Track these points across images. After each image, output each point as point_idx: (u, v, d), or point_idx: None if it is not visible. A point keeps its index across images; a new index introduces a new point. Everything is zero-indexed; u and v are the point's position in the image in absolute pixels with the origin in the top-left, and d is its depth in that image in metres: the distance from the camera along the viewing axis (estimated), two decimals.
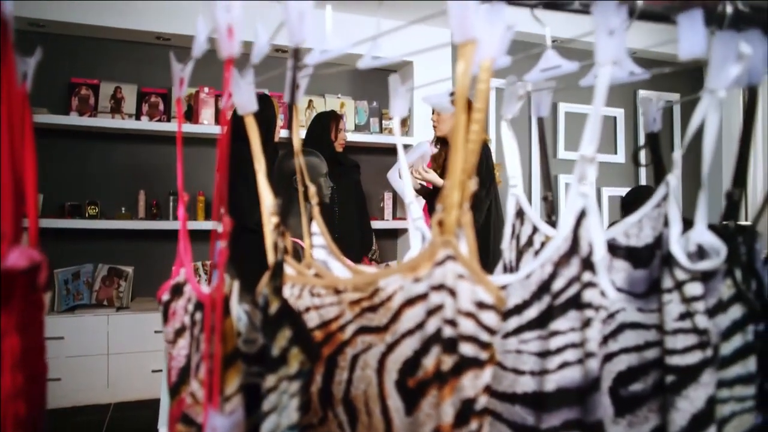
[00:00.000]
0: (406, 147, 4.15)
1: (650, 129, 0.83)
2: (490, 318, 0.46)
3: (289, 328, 0.47)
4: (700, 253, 0.57)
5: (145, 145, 3.69)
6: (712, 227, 0.64)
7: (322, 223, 0.69)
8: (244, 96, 0.62)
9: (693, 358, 0.56)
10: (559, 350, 0.55)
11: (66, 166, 3.52)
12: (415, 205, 0.70)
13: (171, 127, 3.57)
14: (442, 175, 3.03)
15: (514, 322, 0.59)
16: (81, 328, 3.28)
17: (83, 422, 3.03)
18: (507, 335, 0.60)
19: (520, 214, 0.77)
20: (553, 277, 0.55)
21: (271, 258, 0.61)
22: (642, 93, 4.85)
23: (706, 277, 0.55)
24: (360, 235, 3.31)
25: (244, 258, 2.68)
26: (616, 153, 4.77)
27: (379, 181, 4.00)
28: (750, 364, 0.57)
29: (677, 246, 0.56)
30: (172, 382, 0.61)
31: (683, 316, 0.57)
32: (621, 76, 0.61)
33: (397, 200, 4.17)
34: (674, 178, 0.59)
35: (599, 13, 0.51)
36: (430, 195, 3.10)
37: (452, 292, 0.48)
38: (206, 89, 3.65)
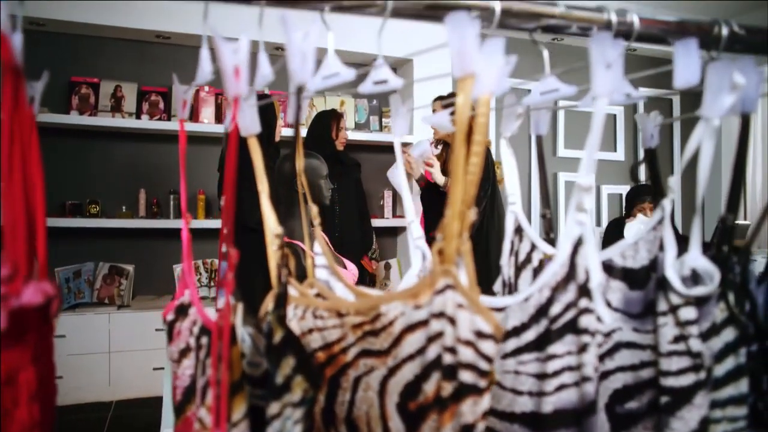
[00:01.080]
0: (406, 145, 4.16)
1: (648, 145, 0.84)
2: (488, 347, 0.48)
3: (293, 357, 0.48)
4: (695, 277, 0.59)
5: (146, 143, 3.70)
6: (706, 246, 0.66)
7: (324, 244, 0.70)
8: (246, 119, 0.63)
9: (687, 380, 0.57)
10: (556, 373, 0.56)
11: (67, 165, 3.52)
12: (416, 225, 0.72)
13: (171, 125, 3.58)
14: (442, 171, 3.03)
15: (512, 343, 0.61)
16: (82, 327, 3.30)
17: (85, 420, 3.05)
18: (506, 356, 0.61)
19: (518, 231, 0.79)
20: (550, 301, 0.57)
21: (274, 280, 0.63)
22: (642, 90, 4.85)
23: (700, 301, 0.57)
24: (360, 234, 3.32)
25: (245, 258, 2.70)
26: (615, 151, 4.78)
27: (379, 179, 4.01)
28: (742, 386, 0.59)
29: (672, 271, 0.58)
30: (177, 400, 0.63)
31: (677, 339, 0.58)
32: (619, 100, 0.62)
33: (397, 198, 4.18)
34: (669, 203, 0.60)
35: (596, 46, 0.52)
36: (428, 190, 3.09)
37: (452, 321, 0.49)
38: (206, 88, 3.65)
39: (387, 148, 4.28)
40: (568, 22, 0.66)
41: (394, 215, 4.16)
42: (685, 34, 0.72)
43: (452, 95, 3.07)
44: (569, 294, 0.55)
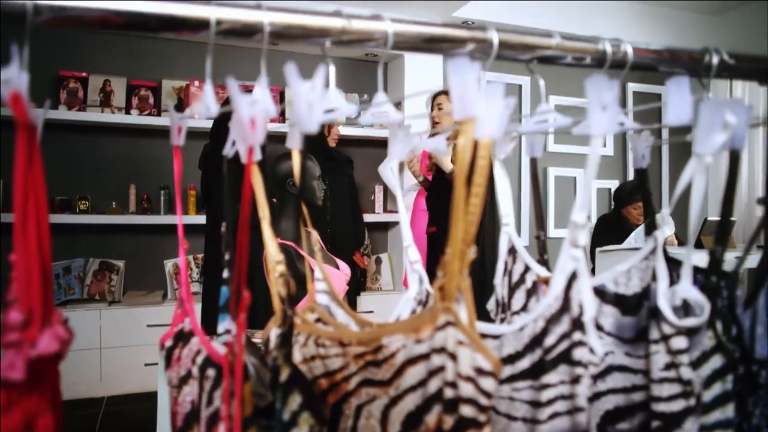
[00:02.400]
0: None
1: (639, 165, 0.86)
2: (488, 384, 0.50)
3: (300, 394, 0.49)
4: (685, 306, 0.61)
5: (136, 138, 3.68)
6: (697, 270, 0.68)
7: (324, 269, 0.71)
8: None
9: (677, 405, 0.59)
10: (549, 402, 0.58)
11: (55, 160, 3.49)
12: (413, 249, 0.73)
13: (161, 121, 3.56)
14: (438, 169, 3.01)
15: (507, 370, 0.62)
16: (73, 323, 3.17)
17: (78, 416, 3.06)
18: (501, 382, 0.63)
19: (512, 251, 0.80)
20: (545, 332, 0.58)
21: (277, 310, 0.64)
22: (632, 86, 4.89)
23: (690, 331, 0.59)
24: (353, 231, 3.33)
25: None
26: (604, 146, 4.82)
27: (370, 174, 4.02)
28: (728, 411, 0.61)
29: (664, 301, 0.60)
30: (177, 426, 0.64)
31: (669, 366, 0.60)
32: (612, 129, 0.63)
33: (387, 193, 4.20)
34: (662, 234, 0.62)
35: (593, 89, 0.53)
36: (435, 183, 3.02)
37: (453, 356, 0.51)
38: (196, 83, 3.63)
39: (378, 143, 4.29)
40: (563, 52, 0.67)
41: (385, 210, 4.17)
42: (677, 63, 0.74)
43: (441, 94, 3.07)
44: (563, 326, 0.57)
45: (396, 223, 4.23)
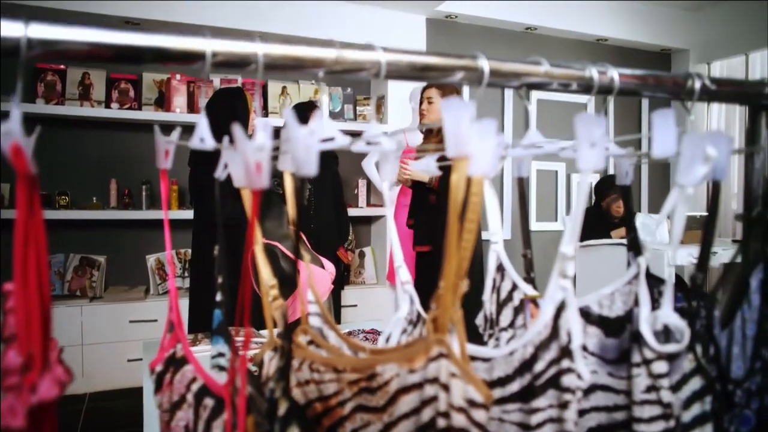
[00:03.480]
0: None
1: (623, 182, 0.88)
2: (480, 415, 0.51)
3: (297, 427, 0.51)
4: (666, 331, 0.63)
5: (116, 132, 3.63)
6: (680, 287, 0.70)
7: (316, 291, 0.72)
8: (240, 169, 0.64)
9: (657, 427, 0.62)
10: (539, 425, 0.60)
11: (33, 155, 3.43)
12: (404, 269, 0.74)
13: (142, 115, 3.52)
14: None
15: (497, 392, 0.64)
16: (54, 320, 3.26)
17: (60, 414, 3.04)
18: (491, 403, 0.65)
19: (500, 268, 0.82)
20: (534, 358, 0.60)
21: (270, 330, 0.65)
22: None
23: (671, 356, 0.61)
24: (337, 227, 3.33)
25: (211, 258, 2.69)
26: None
27: (354, 168, 4.02)
28: (707, 430, 0.64)
29: (646, 327, 0.62)
30: None
31: (650, 389, 0.62)
32: (600, 165, 0.63)
33: (371, 188, 4.20)
34: (644, 261, 0.64)
35: (582, 126, 0.55)
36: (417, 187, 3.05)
37: (445, 387, 0.52)
38: (178, 76, 3.59)
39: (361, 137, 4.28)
40: (551, 79, 0.69)
41: (368, 204, 4.18)
42: (661, 87, 0.76)
43: (428, 88, 3.07)
44: (552, 352, 0.59)
45: (379, 217, 4.24)
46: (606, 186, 3.81)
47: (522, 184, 0.83)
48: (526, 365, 0.61)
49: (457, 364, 0.52)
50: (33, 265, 0.42)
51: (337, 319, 3.47)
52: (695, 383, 0.64)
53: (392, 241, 0.76)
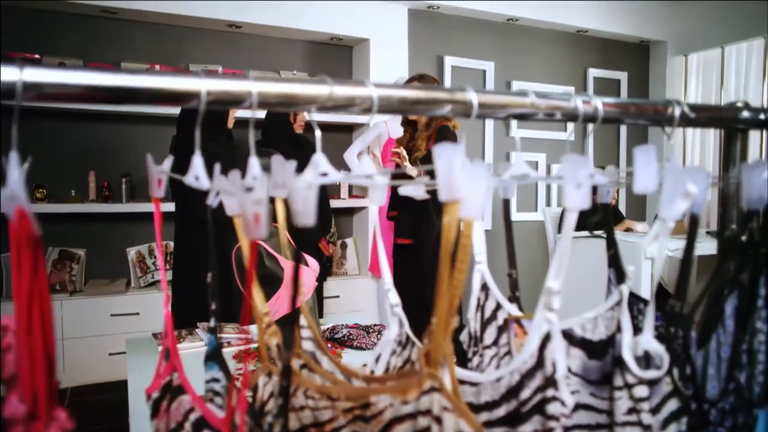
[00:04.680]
0: (361, 126, 4.17)
1: (604, 200, 0.90)
2: None
3: None
4: (647, 356, 0.66)
5: (95, 123, 3.58)
6: (661, 306, 0.73)
7: (309, 317, 0.74)
8: (232, 200, 0.65)
9: None
10: None
11: (8, 148, 3.36)
12: (394, 293, 0.76)
13: (121, 106, 3.46)
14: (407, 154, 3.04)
15: (484, 416, 0.67)
16: None
17: None
18: None
19: (485, 288, 0.84)
20: (520, 386, 0.63)
21: (264, 357, 0.67)
22: (592, 71, 4.98)
23: (651, 381, 0.64)
24: (320, 219, 3.34)
25: (198, 252, 2.69)
26: (565, 131, 4.92)
27: (336, 159, 4.01)
28: None
29: (628, 353, 0.65)
30: None
31: (631, 411, 0.65)
32: (586, 204, 0.64)
33: None
34: (627, 288, 0.67)
35: (568, 167, 0.57)
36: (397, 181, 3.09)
37: (438, 420, 0.55)
38: (157, 67, 3.54)
39: (343, 128, 4.28)
40: (537, 110, 0.71)
41: (351, 195, 4.19)
42: (643, 115, 0.78)
43: (423, 76, 3.07)
44: (537, 381, 0.62)
45: (361, 208, 4.25)
46: None
47: (507, 206, 0.85)
48: (513, 392, 0.64)
49: (449, 398, 0.54)
50: (37, 319, 0.43)
51: (320, 310, 3.49)
52: (672, 404, 0.67)
53: (381, 264, 0.77)
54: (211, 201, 0.68)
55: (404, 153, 2.86)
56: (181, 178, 0.62)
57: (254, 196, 0.48)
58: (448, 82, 4.38)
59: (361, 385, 0.67)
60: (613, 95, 5.14)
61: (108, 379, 3.32)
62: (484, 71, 4.53)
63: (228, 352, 2.10)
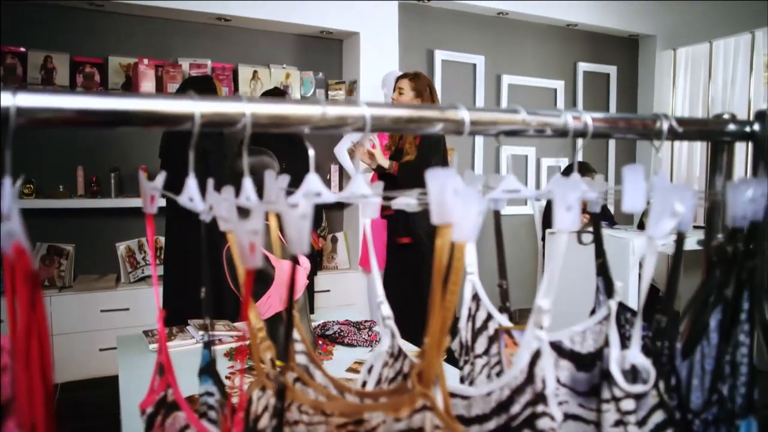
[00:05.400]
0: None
1: (592, 209, 0.92)
2: None
3: None
4: (634, 370, 0.68)
5: None
6: (648, 314, 0.75)
7: (302, 330, 0.75)
8: (223, 211, 0.65)
9: None
10: None
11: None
12: (386, 306, 0.77)
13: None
14: (397, 152, 3.07)
15: (475, 429, 0.68)
16: None
17: None
18: None
19: (476, 298, 0.86)
20: (510, 401, 0.64)
21: (258, 371, 0.68)
22: (581, 65, 5.00)
23: (638, 395, 0.66)
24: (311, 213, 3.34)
25: (186, 248, 2.69)
26: None
27: (326, 153, 4.01)
28: None
29: (616, 367, 0.66)
30: None
31: (618, 423, 0.67)
32: (575, 226, 0.65)
33: (343, 173, 4.20)
34: (615, 304, 0.68)
35: (559, 191, 0.58)
36: (381, 176, 3.14)
37: None
38: (146, 60, 3.50)
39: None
40: (528, 126, 0.71)
41: (341, 189, 4.18)
42: (632, 130, 0.79)
43: (417, 75, 3.08)
44: (527, 396, 0.63)
45: (352, 203, 4.25)
46: (580, 170, 3.88)
47: (498, 218, 0.86)
48: (503, 406, 0.65)
49: (441, 417, 0.56)
50: (35, 354, 0.44)
51: (311, 305, 3.50)
52: (658, 416, 0.69)
53: (373, 275, 0.78)
54: (204, 218, 0.69)
55: (378, 152, 2.92)
56: (175, 197, 0.62)
57: (250, 225, 0.48)
58: (438, 76, 4.38)
59: (355, 401, 0.68)
60: (603, 89, 5.16)
61: (99, 375, 3.32)
62: (474, 65, 4.53)
63: (220, 349, 2.11)
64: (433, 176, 0.54)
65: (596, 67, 5.07)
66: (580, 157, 4.93)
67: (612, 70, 5.14)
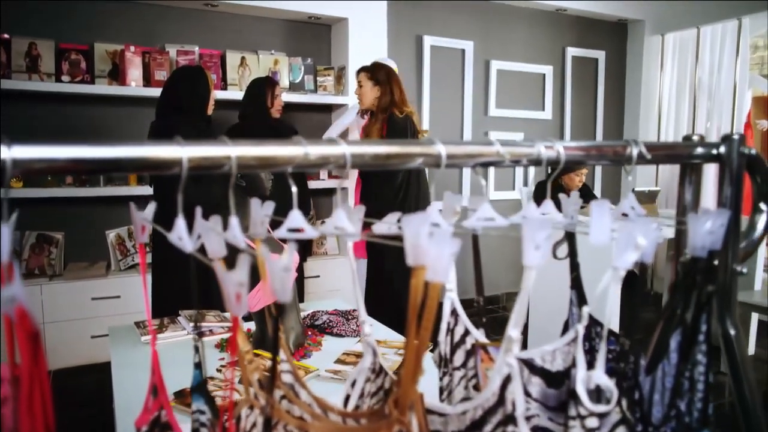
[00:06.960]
0: (340, 107, 4.16)
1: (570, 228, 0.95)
2: None
3: None
4: (598, 390, 0.72)
5: (69, 106, 3.52)
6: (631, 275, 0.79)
7: (287, 351, 0.79)
8: (213, 243, 0.69)
9: None
10: None
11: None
12: (367, 324, 0.81)
13: (95, 88, 3.41)
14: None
15: None
16: None
17: None
18: None
19: (454, 313, 0.90)
20: (483, 420, 0.69)
21: (247, 391, 0.72)
22: (570, 50, 5.01)
23: (602, 414, 0.71)
24: (299, 202, 3.37)
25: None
26: (543, 110, 4.96)
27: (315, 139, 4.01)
28: None
29: (581, 387, 0.71)
30: None
31: None
32: (542, 262, 0.69)
33: None
34: (582, 328, 0.73)
35: (528, 230, 0.61)
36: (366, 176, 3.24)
37: None
38: (132, 48, 3.47)
39: (321, 108, 4.26)
40: (503, 158, 0.75)
41: (330, 176, 4.21)
42: (603, 156, 0.83)
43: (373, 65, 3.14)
44: (498, 416, 0.68)
45: (341, 188, 4.28)
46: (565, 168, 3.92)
47: (476, 241, 0.90)
48: (477, 425, 0.70)
49: None
50: (38, 401, 0.47)
51: (300, 291, 3.55)
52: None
53: (358, 301, 0.82)
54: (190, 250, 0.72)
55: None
56: (166, 233, 0.65)
57: (236, 277, 0.52)
58: (427, 62, 4.38)
59: (337, 420, 0.73)
60: (591, 74, 5.18)
61: (91, 362, 3.36)
62: (463, 50, 4.53)
63: (210, 341, 2.15)
64: (409, 223, 0.58)
65: (585, 52, 5.09)
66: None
67: (600, 55, 5.15)
